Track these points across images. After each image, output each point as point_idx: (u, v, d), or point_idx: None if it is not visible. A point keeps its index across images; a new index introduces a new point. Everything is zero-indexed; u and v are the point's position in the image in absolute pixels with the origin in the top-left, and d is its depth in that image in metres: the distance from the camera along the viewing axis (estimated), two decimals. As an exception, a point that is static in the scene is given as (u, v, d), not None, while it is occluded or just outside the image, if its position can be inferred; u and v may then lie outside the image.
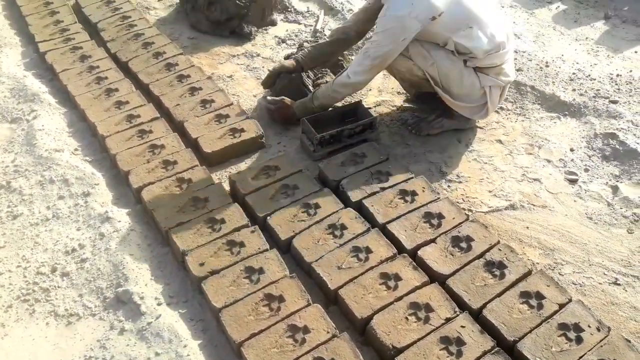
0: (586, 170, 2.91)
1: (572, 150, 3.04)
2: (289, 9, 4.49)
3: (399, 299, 2.13)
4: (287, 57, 3.72)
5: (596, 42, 4.10)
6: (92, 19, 4.18)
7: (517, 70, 3.63)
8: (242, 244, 2.36)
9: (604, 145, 3.04)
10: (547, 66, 3.69)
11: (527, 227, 2.59)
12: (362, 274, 2.23)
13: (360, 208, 2.56)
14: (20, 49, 3.98)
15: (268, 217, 2.51)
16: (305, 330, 2.02)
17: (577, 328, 2.01)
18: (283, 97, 3.19)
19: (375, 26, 2.82)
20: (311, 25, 4.29)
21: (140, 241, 2.49)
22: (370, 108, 3.30)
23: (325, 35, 3.86)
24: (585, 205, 2.71)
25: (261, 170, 2.76)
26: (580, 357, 1.94)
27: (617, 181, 2.83)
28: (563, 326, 2.02)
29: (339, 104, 3.25)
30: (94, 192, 2.71)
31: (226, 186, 2.77)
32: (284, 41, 4.10)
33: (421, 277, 2.21)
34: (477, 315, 2.09)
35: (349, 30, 3.22)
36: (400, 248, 2.36)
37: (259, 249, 2.35)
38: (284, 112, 3.18)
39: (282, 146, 3.10)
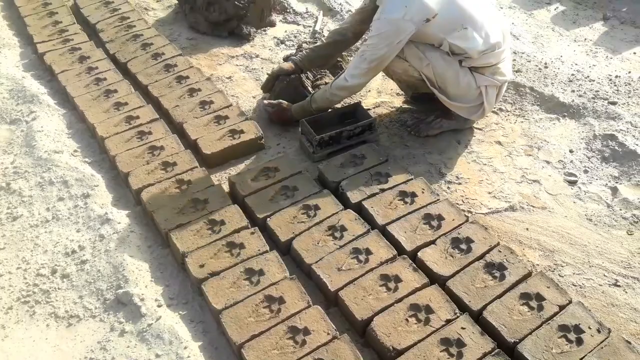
0: (585, 171, 2.92)
1: (571, 151, 3.05)
2: (288, 10, 4.49)
3: (399, 300, 2.13)
4: (285, 59, 3.73)
5: (595, 43, 4.11)
6: (91, 19, 4.17)
7: (516, 71, 3.64)
8: (242, 246, 2.36)
9: (603, 146, 3.05)
10: (546, 67, 3.70)
11: (527, 229, 2.60)
12: (362, 275, 2.23)
13: (360, 209, 2.57)
14: (19, 49, 3.97)
15: (268, 219, 2.51)
16: (306, 331, 2.02)
17: (578, 330, 2.01)
18: (280, 100, 3.20)
19: (370, 29, 2.83)
20: (310, 26, 4.30)
21: (140, 243, 2.49)
22: (369, 109, 3.30)
23: (324, 36, 3.86)
24: (585, 207, 2.72)
25: (261, 171, 2.76)
26: (581, 358, 1.94)
27: (617, 182, 2.84)
28: (563, 328, 2.02)
29: (338, 105, 3.25)
30: (94, 194, 2.71)
31: (226, 187, 2.77)
32: (282, 42, 4.10)
33: (421, 279, 2.21)
34: (478, 317, 2.10)
35: (345, 31, 3.23)
36: (400, 249, 2.36)
37: (259, 250, 2.35)
38: (281, 114, 3.18)
39: (281, 147, 3.10)
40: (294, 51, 3.80)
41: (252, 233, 2.42)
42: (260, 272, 2.24)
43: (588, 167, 2.94)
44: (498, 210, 2.70)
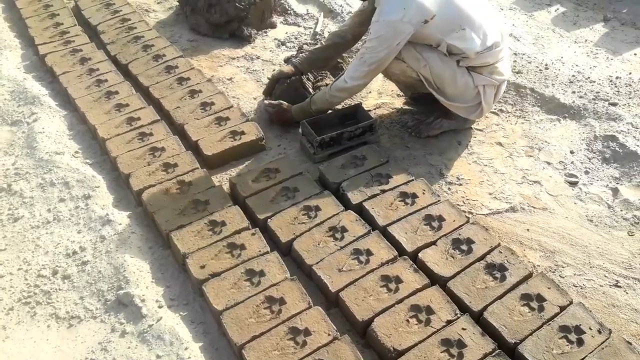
0: (586, 172, 2.92)
1: (572, 152, 3.05)
2: (289, 12, 4.49)
3: (400, 301, 2.13)
4: (286, 60, 3.74)
5: (595, 44, 4.11)
6: (92, 21, 4.18)
7: (517, 72, 3.64)
8: (242, 247, 2.36)
9: (604, 147, 3.05)
10: (546, 68, 3.70)
11: (528, 230, 2.59)
12: (362, 276, 2.23)
13: (360, 210, 2.57)
14: (20, 51, 3.98)
15: (268, 220, 2.51)
16: (306, 332, 2.02)
17: (578, 330, 2.01)
18: (281, 101, 3.21)
19: (369, 31, 2.83)
20: (311, 28, 4.30)
21: (141, 244, 2.49)
22: (370, 110, 3.31)
23: (324, 37, 3.87)
24: (586, 208, 2.72)
25: (261, 172, 2.76)
26: (582, 359, 1.94)
27: (617, 183, 2.83)
28: (564, 328, 2.02)
29: (339, 106, 3.25)
30: (95, 195, 2.71)
31: (226, 189, 2.78)
32: (283, 44, 4.11)
33: (422, 280, 2.21)
34: (478, 318, 2.10)
35: (344, 33, 3.24)
36: (400, 250, 2.36)
37: (260, 251, 2.35)
38: (281, 116, 3.19)
39: (282, 149, 3.10)
40: (295, 53, 3.81)
41: (253, 234, 2.42)
42: (261, 273, 2.24)
43: (589, 168, 2.94)
44: (499, 211, 2.70)
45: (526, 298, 2.13)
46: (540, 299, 2.12)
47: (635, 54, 3.96)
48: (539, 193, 2.80)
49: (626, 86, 3.52)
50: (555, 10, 4.63)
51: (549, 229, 2.59)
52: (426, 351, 1.97)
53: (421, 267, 2.28)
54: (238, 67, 3.85)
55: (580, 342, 1.98)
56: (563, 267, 2.41)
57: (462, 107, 2.97)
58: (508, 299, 2.13)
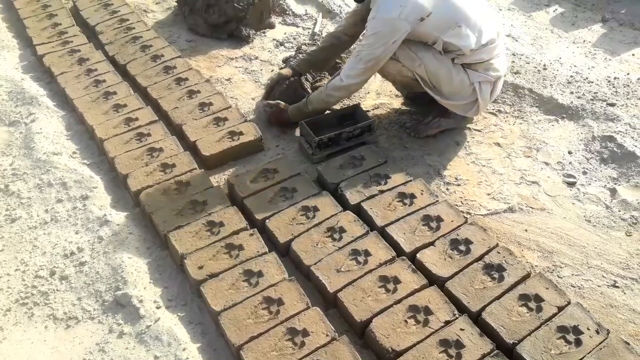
0: (584, 173, 2.92)
1: (570, 153, 3.05)
2: (287, 12, 4.49)
3: (398, 302, 2.13)
4: (284, 61, 3.74)
5: (594, 44, 4.11)
6: (90, 21, 4.18)
7: (515, 73, 3.64)
8: (241, 247, 2.36)
9: (602, 148, 3.05)
10: (544, 69, 3.70)
11: (526, 230, 2.60)
12: (361, 277, 2.23)
13: (359, 211, 2.57)
14: (18, 51, 3.97)
15: (267, 220, 2.51)
16: (305, 333, 2.02)
17: (576, 331, 2.01)
18: (279, 101, 3.21)
19: (365, 29, 2.83)
20: (309, 28, 4.30)
21: (139, 244, 2.49)
22: (368, 111, 3.31)
23: (322, 38, 3.87)
24: (584, 208, 2.72)
25: (260, 173, 2.76)
26: (580, 359, 1.94)
27: (615, 184, 2.84)
28: (562, 329, 2.02)
29: (337, 107, 3.25)
30: (93, 195, 2.71)
31: (225, 189, 2.77)
32: (282, 44, 4.11)
33: (420, 280, 2.21)
34: (476, 318, 2.09)
35: (340, 34, 3.24)
36: (399, 251, 2.36)
37: (258, 252, 2.35)
38: (279, 116, 3.19)
39: (280, 149, 3.10)
40: (293, 53, 3.81)
41: (251, 234, 2.42)
42: (259, 274, 2.24)
43: (587, 169, 2.94)
44: (497, 212, 2.70)
45: (524, 298, 2.13)
46: (538, 299, 2.13)
47: (633, 55, 3.97)
48: (537, 193, 2.80)
49: (624, 87, 3.52)
50: (554, 11, 4.63)
51: (547, 230, 2.60)
52: (424, 352, 1.96)
53: (419, 267, 2.28)
54: (236, 67, 3.84)
55: (578, 343, 1.98)
56: (561, 268, 2.42)
57: (459, 105, 2.97)
58: (506, 300, 2.13)
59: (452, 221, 2.47)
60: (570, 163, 2.98)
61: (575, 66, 3.78)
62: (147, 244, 2.51)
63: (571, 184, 2.85)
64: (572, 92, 3.47)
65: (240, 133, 3.02)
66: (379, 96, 3.54)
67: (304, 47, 3.79)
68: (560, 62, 3.83)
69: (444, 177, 2.89)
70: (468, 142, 3.13)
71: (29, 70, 3.76)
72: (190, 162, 2.83)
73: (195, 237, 2.41)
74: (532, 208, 2.72)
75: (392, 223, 2.47)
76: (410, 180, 2.70)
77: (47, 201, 2.70)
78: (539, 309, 2.09)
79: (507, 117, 3.33)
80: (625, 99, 3.41)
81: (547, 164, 2.98)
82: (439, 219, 2.48)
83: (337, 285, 2.20)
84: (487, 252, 2.32)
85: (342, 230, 2.43)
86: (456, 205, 2.70)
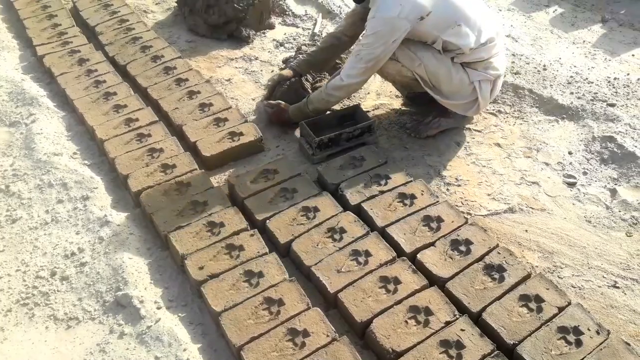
0: (584, 173, 2.92)
1: (570, 153, 3.05)
2: (287, 13, 4.49)
3: (399, 302, 2.13)
4: (284, 61, 3.74)
5: (593, 45, 4.11)
6: (90, 22, 4.18)
7: (515, 73, 3.64)
8: (241, 248, 2.36)
9: (602, 148, 3.05)
10: (544, 69, 3.71)
11: (526, 231, 2.60)
12: (361, 277, 2.23)
13: (359, 211, 2.57)
14: (18, 52, 3.97)
15: (267, 221, 2.51)
16: (305, 333, 2.02)
17: (577, 331, 2.01)
18: (279, 101, 3.21)
19: (365, 28, 2.83)
20: (309, 29, 4.30)
21: (140, 245, 2.49)
22: (368, 111, 3.31)
23: (322, 39, 3.87)
24: (584, 209, 2.72)
25: (260, 173, 2.76)
26: (580, 360, 1.95)
27: (616, 184, 2.84)
28: (562, 329, 2.02)
29: (337, 107, 3.25)
30: (93, 196, 2.71)
31: (225, 190, 2.77)
32: (282, 44, 4.11)
33: (420, 281, 2.22)
34: (477, 319, 2.10)
35: (340, 34, 3.25)
36: (399, 251, 2.36)
37: (259, 252, 2.35)
38: (279, 115, 3.19)
39: (280, 149, 3.10)
40: (293, 53, 3.81)
41: (252, 235, 2.42)
42: (260, 274, 2.24)
43: (587, 169, 2.94)
44: (497, 212, 2.70)
45: (525, 299, 2.13)
46: (538, 299, 2.13)
47: (633, 55, 3.97)
48: (537, 194, 2.80)
49: (624, 87, 3.53)
50: (554, 11, 4.63)
51: (547, 230, 2.60)
52: (425, 352, 1.97)
53: (420, 268, 2.28)
54: (236, 68, 3.84)
55: (578, 343, 1.98)
56: (561, 268, 2.42)
57: (459, 105, 2.98)
58: (507, 300, 2.13)
59: (453, 222, 2.48)
60: (570, 163, 2.98)
61: (575, 67, 3.78)
62: (147, 245, 2.51)
63: (571, 185, 2.86)
64: (572, 93, 3.47)
65: (241, 133, 3.02)
66: (379, 97, 3.54)
67: (303, 47, 3.79)
68: (560, 62, 3.83)
69: (444, 177, 2.89)
70: (468, 142, 3.13)
71: (29, 70, 3.76)
72: (190, 163, 2.83)
73: (196, 238, 2.41)
74: (533, 208, 2.72)
75: (392, 223, 2.47)
76: (411, 181, 2.70)
77: (47, 202, 2.70)
78: (540, 310, 2.10)
79: (507, 117, 3.33)
80: (625, 100, 3.41)
81: (547, 164, 2.99)
82: (439, 220, 2.48)
83: (337, 286, 2.20)
84: (487, 253, 2.33)
85: (342, 230, 2.43)
86: (456, 205, 2.70)
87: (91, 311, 2.21)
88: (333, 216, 2.51)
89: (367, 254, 2.32)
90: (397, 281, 2.20)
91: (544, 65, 3.75)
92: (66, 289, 2.30)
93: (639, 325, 2.18)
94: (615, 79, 3.62)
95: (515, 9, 4.65)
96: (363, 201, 2.59)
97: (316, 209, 2.54)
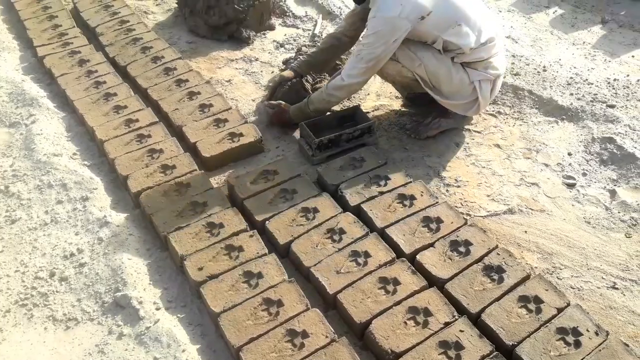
0: (584, 174, 2.92)
1: (569, 154, 3.05)
2: (287, 14, 4.50)
3: (398, 303, 2.13)
4: (284, 62, 3.74)
5: (593, 46, 4.11)
6: (91, 23, 4.18)
7: (515, 74, 3.64)
8: (240, 249, 2.36)
9: (602, 149, 3.05)
10: (544, 70, 3.71)
11: (526, 232, 2.60)
12: (360, 278, 2.23)
13: (358, 212, 2.57)
14: (19, 53, 3.98)
15: (267, 222, 2.51)
16: (304, 334, 2.02)
17: (576, 332, 2.01)
18: (280, 101, 3.21)
19: (366, 28, 2.83)
20: (309, 30, 4.31)
21: (139, 246, 2.49)
22: (368, 112, 3.31)
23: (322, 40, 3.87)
24: (583, 210, 2.72)
25: (260, 174, 2.76)
26: (579, 361, 1.95)
27: (615, 185, 2.84)
28: (561, 330, 2.02)
29: (337, 108, 3.26)
30: (93, 197, 2.71)
31: (225, 190, 2.77)
32: (282, 45, 4.11)
33: (420, 282, 2.22)
34: (476, 320, 2.10)
35: (340, 35, 3.25)
36: (399, 252, 2.36)
37: (258, 253, 2.35)
38: (280, 116, 3.19)
39: (280, 150, 3.11)
40: (294, 54, 3.81)
41: (251, 236, 2.42)
42: (259, 275, 2.24)
43: (586, 170, 2.94)
44: (497, 213, 2.70)
45: (524, 300, 2.13)
46: (537, 300, 2.13)
47: (633, 56, 3.97)
48: (536, 195, 2.80)
49: (624, 88, 3.52)
50: (554, 13, 4.63)
51: (546, 231, 2.60)
52: (424, 353, 1.97)
53: (419, 269, 2.28)
54: (237, 69, 3.85)
55: (577, 344, 1.98)
56: (560, 269, 2.42)
57: (459, 105, 2.98)
58: (506, 301, 2.13)
59: (452, 222, 2.48)
60: (570, 164, 2.98)
61: (575, 68, 3.78)
62: (147, 245, 2.51)
63: (571, 186, 2.86)
64: (571, 94, 3.47)
65: (241, 134, 3.02)
66: (379, 98, 3.54)
67: (304, 48, 3.80)
68: (560, 63, 3.83)
69: (444, 178, 2.89)
70: (468, 143, 3.13)
71: (30, 71, 3.76)
72: (190, 164, 2.83)
73: (195, 239, 2.41)
74: (532, 209, 2.72)
75: (392, 224, 2.47)
76: (410, 182, 2.70)
77: (47, 202, 2.70)
78: (539, 311, 2.09)
79: (507, 118, 3.33)
80: (625, 101, 3.41)
81: (546, 165, 2.99)
82: (438, 221, 2.48)
83: (336, 287, 2.20)
84: (486, 254, 2.33)
85: (342, 231, 2.43)
86: (456, 206, 2.71)
87: (90, 312, 2.21)
88: (332, 217, 2.51)
89: (367, 254, 2.32)
90: (396, 282, 2.20)
91: (544, 67, 3.75)
92: (65, 290, 2.31)
93: (638, 326, 2.18)
94: (615, 80, 3.62)
95: (515, 10, 4.65)
96: (363, 202, 2.59)
97: (316, 210, 2.54)
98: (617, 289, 2.33)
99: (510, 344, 1.99)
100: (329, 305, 2.23)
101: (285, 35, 4.25)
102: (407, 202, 2.58)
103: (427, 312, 2.09)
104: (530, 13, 4.62)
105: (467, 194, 2.81)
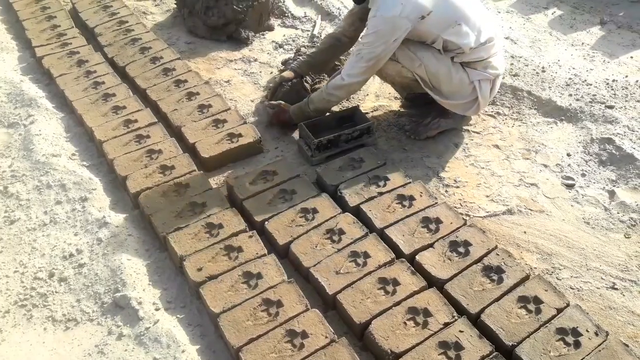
0: (583, 175, 2.92)
1: (568, 155, 3.05)
2: (286, 14, 4.50)
3: (397, 303, 2.13)
4: (284, 63, 3.74)
5: (592, 47, 4.12)
6: (89, 23, 4.18)
7: (514, 75, 3.65)
8: (240, 249, 2.36)
9: (601, 150, 3.05)
10: (543, 71, 3.71)
11: (525, 232, 2.60)
12: (360, 278, 2.23)
13: (358, 213, 2.57)
14: (17, 53, 3.97)
15: (266, 222, 2.51)
16: (304, 335, 2.02)
17: (575, 332, 2.01)
18: (280, 101, 3.21)
19: (366, 28, 2.84)
20: (308, 31, 4.31)
21: (138, 246, 2.49)
22: (367, 113, 3.31)
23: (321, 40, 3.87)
24: (583, 210, 2.72)
25: (259, 175, 2.76)
26: (579, 361, 1.95)
27: (614, 186, 2.84)
28: (561, 331, 2.02)
29: (336, 109, 3.26)
30: (92, 197, 2.71)
31: (224, 191, 2.77)
32: (281, 46, 4.11)
33: (419, 282, 2.22)
34: (476, 320, 2.10)
35: (340, 35, 3.25)
36: (398, 253, 2.36)
37: (257, 254, 2.35)
38: (280, 116, 3.19)
39: (279, 151, 3.10)
40: (292, 55, 3.81)
41: (250, 236, 2.42)
42: (259, 276, 2.24)
43: (585, 171, 2.95)
44: (496, 214, 2.70)
45: (523, 300, 2.13)
46: (537, 301, 2.13)
47: (631, 57, 3.98)
48: (535, 195, 2.81)
49: (622, 89, 3.53)
50: (552, 14, 4.64)
51: (545, 232, 2.60)
52: (423, 354, 1.97)
53: (418, 269, 2.28)
54: (235, 69, 3.85)
55: (577, 345, 1.98)
56: (560, 270, 2.42)
57: (458, 105, 2.98)
58: (505, 302, 2.13)
59: (451, 223, 2.48)
60: (569, 165, 2.99)
61: (573, 68, 3.78)
62: (146, 246, 2.51)
63: (570, 186, 2.86)
64: (570, 95, 3.47)
65: (240, 135, 3.02)
66: (378, 98, 3.54)
67: (303, 49, 3.80)
68: (558, 64, 3.84)
69: (443, 179, 2.89)
70: (467, 144, 3.13)
71: (28, 72, 3.76)
72: (189, 164, 2.83)
73: (195, 239, 2.41)
74: (531, 210, 2.72)
75: (391, 225, 2.47)
76: (410, 182, 2.70)
77: (46, 203, 2.70)
78: (538, 311, 2.10)
79: (506, 119, 3.33)
80: (624, 102, 3.41)
81: (545, 166, 2.99)
82: (438, 221, 2.48)
83: (336, 287, 2.20)
84: (486, 254, 2.33)
85: (341, 232, 2.43)
86: (455, 207, 2.71)
87: (89, 312, 2.21)
88: (332, 217, 2.51)
89: (366, 255, 2.32)
90: (395, 282, 2.20)
91: (543, 67, 3.75)
92: (64, 290, 2.30)
93: (638, 326, 2.18)
94: (613, 81, 3.62)
95: (514, 11, 4.65)
96: (362, 202, 2.59)
97: (315, 211, 2.54)
98: (616, 289, 2.33)
99: (510, 344, 1.99)
100: (329, 305, 2.23)
101: (284, 35, 4.25)
102: (406, 203, 2.59)
103: (426, 313, 2.09)
104: (529, 14, 4.63)
105: (466, 194, 2.81)
